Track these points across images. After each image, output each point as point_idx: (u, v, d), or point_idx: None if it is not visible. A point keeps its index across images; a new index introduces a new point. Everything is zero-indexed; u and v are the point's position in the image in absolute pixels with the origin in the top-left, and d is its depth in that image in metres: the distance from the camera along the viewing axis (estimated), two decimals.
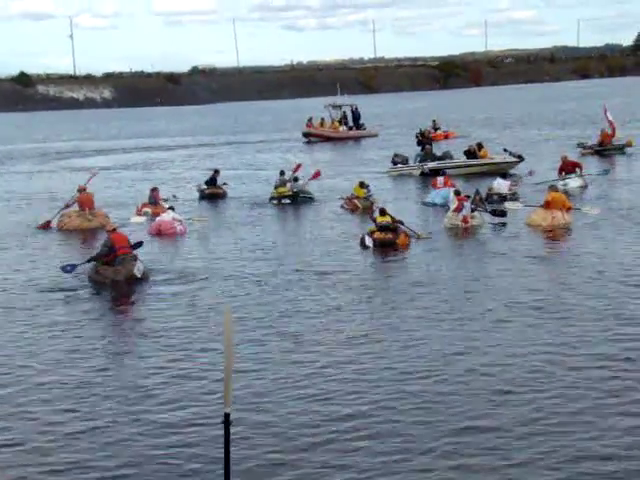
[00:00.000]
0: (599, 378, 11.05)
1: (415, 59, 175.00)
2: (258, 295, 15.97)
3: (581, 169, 29.03)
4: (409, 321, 13.93)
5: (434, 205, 25.74)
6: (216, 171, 30.29)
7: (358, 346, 12.72)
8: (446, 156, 34.12)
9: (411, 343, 12.73)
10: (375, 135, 54.40)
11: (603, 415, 9.88)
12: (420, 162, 33.76)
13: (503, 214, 22.55)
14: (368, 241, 19.93)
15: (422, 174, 32.60)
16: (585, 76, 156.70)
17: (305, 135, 53.59)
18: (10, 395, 11.23)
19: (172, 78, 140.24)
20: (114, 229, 18.28)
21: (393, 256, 19.23)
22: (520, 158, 32.23)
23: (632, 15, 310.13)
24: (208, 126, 73.72)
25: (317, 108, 60.38)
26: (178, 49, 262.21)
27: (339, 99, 57.23)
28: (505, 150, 33.33)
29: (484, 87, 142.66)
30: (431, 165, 32.98)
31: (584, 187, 27.97)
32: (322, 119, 55.09)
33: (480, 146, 33.87)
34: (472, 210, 22.29)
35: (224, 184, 29.62)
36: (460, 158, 33.62)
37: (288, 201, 27.22)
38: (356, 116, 55.44)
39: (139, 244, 18.04)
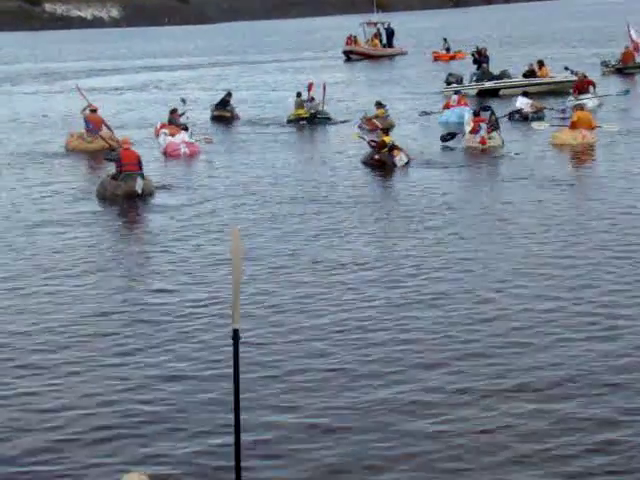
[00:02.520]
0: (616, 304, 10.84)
1: None
2: (263, 216, 15.76)
3: (594, 87, 28.53)
4: (417, 248, 13.63)
5: (447, 124, 25.41)
6: (228, 93, 29.72)
7: (365, 271, 12.52)
8: (504, 75, 32.94)
9: (421, 271, 12.44)
10: (405, 53, 54.17)
11: None
12: (476, 81, 32.99)
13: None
14: (399, 160, 19.66)
15: (479, 94, 31.84)
16: None
17: (346, 53, 53.00)
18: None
19: None
20: (127, 147, 18.32)
21: (407, 178, 18.94)
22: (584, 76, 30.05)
23: None
24: (222, 46, 72.75)
25: (331, 27, 59.53)
26: None
27: (374, 16, 57.31)
28: (566, 68, 31.92)
29: (497, 5, 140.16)
30: (488, 85, 32.27)
31: (599, 106, 27.58)
32: (355, 37, 54.61)
33: (541, 64, 32.82)
34: (488, 131, 21.90)
35: (234, 107, 29.12)
36: (518, 77, 32.66)
37: (305, 122, 26.90)
38: (389, 34, 55.25)
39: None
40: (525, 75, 32.59)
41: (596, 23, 73.34)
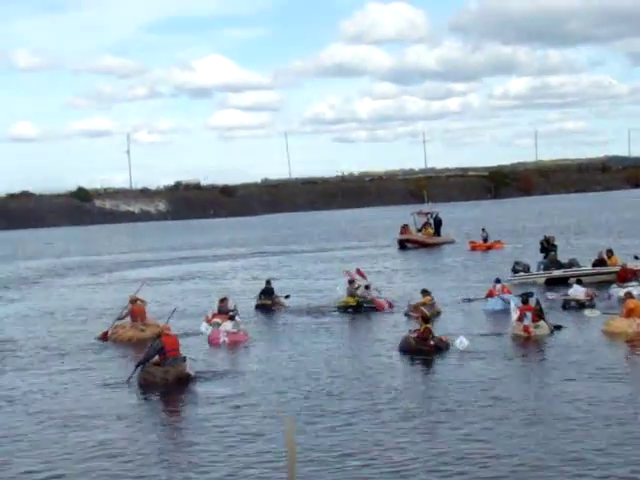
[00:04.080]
0: None
1: (465, 169, 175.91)
2: (308, 409, 15.38)
3: (637, 276, 28.60)
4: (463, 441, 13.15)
5: (492, 312, 25.32)
6: (267, 281, 30.00)
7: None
8: (572, 264, 32.76)
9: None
10: (452, 241, 55.08)
11: None
12: (544, 270, 32.79)
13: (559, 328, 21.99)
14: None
15: (547, 282, 31.63)
16: (638, 185, 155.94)
17: (401, 241, 53.94)
18: None
19: (225, 190, 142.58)
20: (167, 332, 18.66)
21: (449, 367, 18.56)
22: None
23: None
24: (265, 236, 74.18)
25: (373, 217, 60.68)
26: (232, 162, 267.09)
27: (425, 206, 59.03)
28: (636, 257, 31.50)
29: (535, 196, 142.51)
30: (557, 273, 32.12)
31: None
32: (406, 225, 55.74)
33: (610, 253, 32.68)
34: (534, 319, 21.63)
35: (285, 297, 29.36)
36: (587, 265, 32.34)
37: (350, 310, 27.01)
38: (437, 223, 56.35)
39: None
40: (595, 264, 32.08)
41: (631, 215, 73.92)
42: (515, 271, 33.09)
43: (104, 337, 23.99)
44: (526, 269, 33.11)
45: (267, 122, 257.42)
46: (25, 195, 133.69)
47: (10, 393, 17.77)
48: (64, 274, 47.45)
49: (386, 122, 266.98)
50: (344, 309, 27.23)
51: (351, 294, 27.62)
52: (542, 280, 31.83)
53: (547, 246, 36.55)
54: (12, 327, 27.26)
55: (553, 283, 31.09)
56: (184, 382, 17.64)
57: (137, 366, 18.18)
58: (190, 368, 17.78)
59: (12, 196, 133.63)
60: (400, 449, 12.86)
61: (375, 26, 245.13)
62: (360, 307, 27.10)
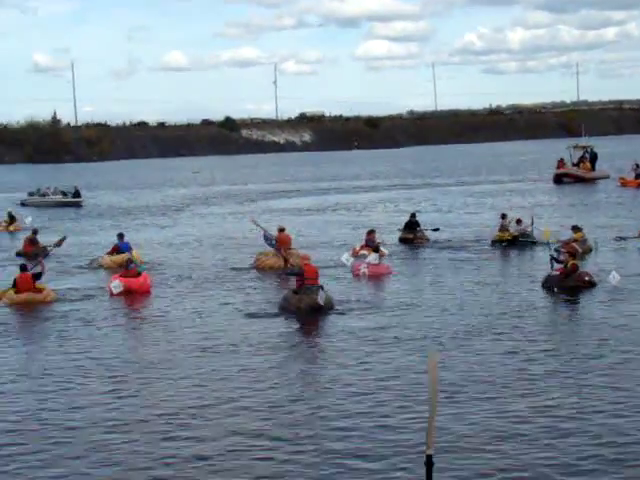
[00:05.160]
0: None
1: (620, 102, 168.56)
2: (452, 341, 14.97)
3: None
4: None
5: None
6: (412, 215, 29.56)
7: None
8: None
9: None
10: (607, 176, 53.38)
11: None
12: None
13: None
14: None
15: None
16: None
17: (558, 176, 52.55)
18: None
19: (370, 122, 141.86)
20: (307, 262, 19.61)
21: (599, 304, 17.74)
22: None
23: None
24: (409, 169, 73.54)
25: (521, 151, 58.99)
26: (377, 93, 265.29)
27: (583, 140, 57.10)
28: None
29: None
30: None
31: None
32: (562, 159, 54.21)
33: None
34: None
35: (434, 229, 29.14)
36: None
37: (505, 244, 26.58)
38: (592, 157, 54.61)
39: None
40: None
41: None
42: None
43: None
44: None
45: (414, 52, 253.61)
46: (175, 124, 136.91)
47: (159, 318, 18.15)
48: (210, 202, 48.40)
49: (538, 53, 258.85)
50: (499, 243, 26.79)
51: (504, 228, 27.11)
52: None
53: None
54: (160, 253, 27.91)
55: None
56: (318, 311, 17.71)
57: (286, 274, 20.16)
58: (322, 298, 17.77)
59: (162, 125, 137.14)
60: (544, 391, 12.32)
61: None
62: (515, 241, 26.54)
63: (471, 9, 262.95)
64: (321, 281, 18.68)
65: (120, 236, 25.94)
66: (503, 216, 27.76)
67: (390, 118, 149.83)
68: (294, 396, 12.55)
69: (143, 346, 15.90)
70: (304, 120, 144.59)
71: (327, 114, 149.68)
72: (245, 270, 24.02)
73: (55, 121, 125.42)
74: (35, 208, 46.31)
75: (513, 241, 26.63)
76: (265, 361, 14.48)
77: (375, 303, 18.93)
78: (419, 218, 29.72)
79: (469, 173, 64.98)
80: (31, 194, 50.21)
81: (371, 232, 26.02)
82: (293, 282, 19.08)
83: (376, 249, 23.83)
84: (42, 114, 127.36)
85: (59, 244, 24.76)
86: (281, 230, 25.18)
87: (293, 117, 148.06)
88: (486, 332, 15.86)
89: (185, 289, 21.37)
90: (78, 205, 47.74)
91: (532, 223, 27.25)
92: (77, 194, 48.96)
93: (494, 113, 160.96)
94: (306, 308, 17.75)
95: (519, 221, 27.49)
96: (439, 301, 18.85)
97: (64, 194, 49.44)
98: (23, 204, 48.52)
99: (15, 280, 20.12)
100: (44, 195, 49.52)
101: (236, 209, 43.70)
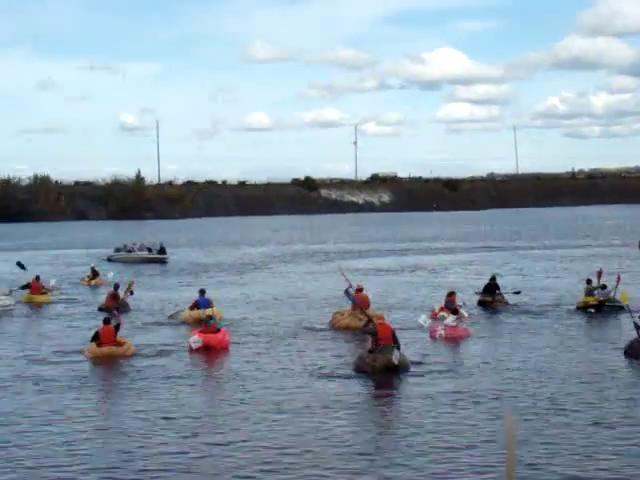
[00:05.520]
0: None
1: None
2: (532, 406, 14.55)
3: None
4: None
5: None
6: (492, 278, 29.19)
7: None
8: None
9: None
10: None
11: None
12: None
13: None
14: None
15: None
16: None
17: None
18: None
19: (449, 184, 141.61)
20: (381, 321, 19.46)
21: None
22: None
23: None
24: (488, 231, 72.89)
25: (604, 216, 58.08)
26: (457, 155, 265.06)
27: None
28: None
29: None
30: None
31: None
32: None
33: None
34: None
35: (515, 292, 28.79)
36: None
37: (593, 310, 25.86)
38: None
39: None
40: None
41: None
42: None
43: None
44: None
45: (496, 116, 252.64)
46: (255, 183, 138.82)
47: (235, 375, 18.14)
48: (288, 261, 48.61)
49: (621, 117, 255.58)
50: (585, 309, 26.14)
51: (589, 292, 26.54)
52: None
53: None
54: (238, 310, 28.03)
55: None
56: (392, 371, 17.56)
57: (364, 332, 19.85)
58: (397, 358, 17.67)
59: (243, 183, 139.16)
60: (630, 464, 11.84)
61: (616, 17, 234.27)
62: (601, 306, 25.94)
63: (554, 73, 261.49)
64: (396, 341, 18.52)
65: (201, 292, 26.23)
66: (588, 281, 27.15)
67: (470, 181, 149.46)
68: (369, 457, 12.33)
69: (219, 404, 15.87)
70: (377, 180, 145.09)
71: (406, 175, 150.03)
72: (321, 329, 23.96)
73: (139, 179, 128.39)
74: (121, 264, 47.15)
75: (600, 306, 26.01)
76: (339, 421, 14.31)
77: (451, 365, 18.60)
78: (499, 281, 29.32)
79: (550, 237, 64.08)
80: (117, 250, 51.18)
81: (451, 294, 25.78)
82: (369, 341, 18.92)
83: (455, 311, 23.54)
84: (127, 172, 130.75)
85: (131, 292, 26.56)
86: (359, 290, 25.08)
87: (365, 178, 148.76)
88: (565, 400, 15.39)
89: (262, 347, 21.37)
90: (163, 262, 48.42)
91: (616, 285, 26.52)
92: (162, 250, 49.69)
93: (576, 177, 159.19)
94: (381, 367, 17.64)
95: (604, 286, 26.87)
96: (517, 365, 18.42)
97: (149, 250, 50.24)
98: (109, 260, 49.46)
99: (97, 332, 20.40)
100: (130, 251, 50.40)
101: (314, 268, 43.78)
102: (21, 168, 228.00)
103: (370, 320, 21.25)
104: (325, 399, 15.74)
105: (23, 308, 29.36)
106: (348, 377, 17.60)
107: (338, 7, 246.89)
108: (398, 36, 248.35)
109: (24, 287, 31.63)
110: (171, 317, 26.09)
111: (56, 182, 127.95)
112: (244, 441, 13.23)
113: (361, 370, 17.89)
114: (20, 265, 34.50)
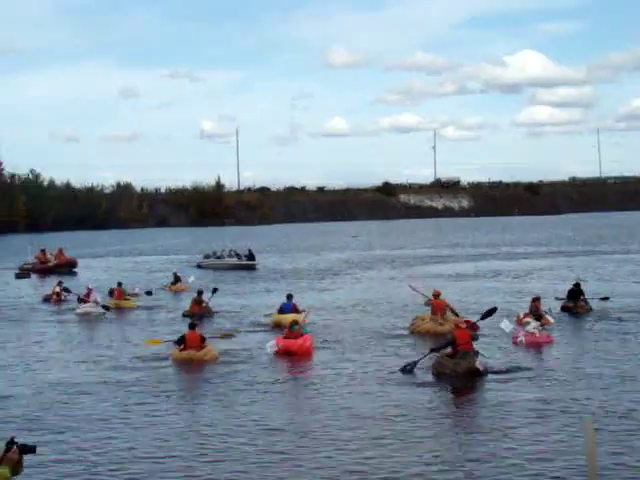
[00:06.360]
0: None
1: None
2: (613, 416, 14.20)
3: None
4: None
5: None
6: (576, 284, 28.66)
7: None
8: None
9: None
10: None
11: None
12: None
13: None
14: None
15: None
16: None
17: None
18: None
19: (530, 188, 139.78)
20: (458, 327, 19.24)
21: None
22: None
23: None
24: (569, 236, 71.71)
25: None
26: (538, 159, 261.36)
27: None
28: None
29: None
30: None
31: None
32: None
33: None
34: None
35: (602, 298, 28.35)
36: None
37: None
38: None
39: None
40: None
41: None
42: None
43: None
44: None
45: (578, 118, 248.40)
46: (334, 188, 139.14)
47: (315, 381, 18.18)
48: (368, 266, 48.59)
49: None
50: None
51: None
52: None
53: None
54: (319, 315, 28.06)
55: None
56: (474, 376, 17.50)
57: (429, 352, 18.68)
58: (480, 363, 17.65)
59: (321, 189, 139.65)
60: None
61: None
62: None
63: (638, 74, 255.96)
64: (477, 346, 18.43)
65: (288, 297, 26.47)
66: None
67: (552, 185, 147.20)
68: (450, 466, 12.21)
69: (299, 410, 15.90)
70: (436, 186, 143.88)
71: (486, 180, 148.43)
72: (402, 334, 23.87)
73: (219, 186, 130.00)
74: (211, 270, 47.74)
75: None
76: (420, 428, 14.21)
77: (532, 372, 18.24)
78: (583, 287, 28.77)
79: (635, 241, 62.68)
80: (207, 256, 51.80)
81: (536, 300, 25.41)
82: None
83: (539, 317, 23.21)
84: (207, 179, 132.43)
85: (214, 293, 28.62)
86: (436, 296, 24.96)
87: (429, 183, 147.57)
88: None
89: (342, 352, 21.37)
90: (252, 268, 48.79)
91: None
92: (251, 257, 50.06)
93: None
94: (464, 372, 17.55)
95: None
96: (601, 373, 17.99)
97: (238, 256, 50.69)
98: (199, 266, 50.09)
99: (183, 337, 20.59)
100: (220, 257, 50.95)
101: (393, 274, 43.68)
102: (105, 176, 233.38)
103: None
104: (405, 405, 15.65)
105: (108, 314, 29.89)
106: (428, 383, 17.48)
107: (417, 11, 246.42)
108: (478, 39, 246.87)
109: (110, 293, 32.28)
110: (266, 317, 26.88)
111: (141, 189, 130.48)
112: (326, 448, 13.23)
113: (442, 375, 17.77)
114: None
